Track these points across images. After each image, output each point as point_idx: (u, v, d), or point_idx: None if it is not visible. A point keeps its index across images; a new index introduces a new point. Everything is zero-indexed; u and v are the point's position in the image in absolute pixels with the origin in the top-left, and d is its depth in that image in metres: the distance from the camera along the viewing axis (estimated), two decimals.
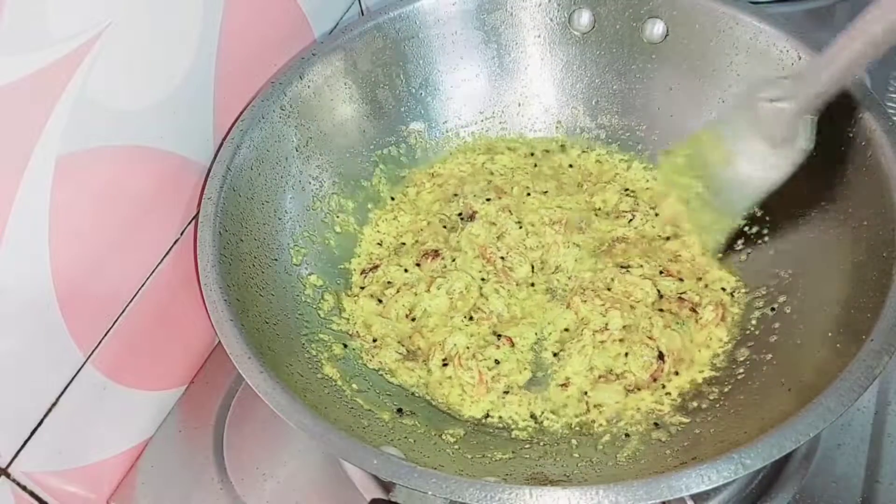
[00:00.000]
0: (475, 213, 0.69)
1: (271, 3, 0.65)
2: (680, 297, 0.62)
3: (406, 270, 0.66)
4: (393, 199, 0.72)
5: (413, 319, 0.64)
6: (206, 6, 0.57)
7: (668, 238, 0.67)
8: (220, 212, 0.57)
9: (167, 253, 0.60)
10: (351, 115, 0.70)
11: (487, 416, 0.58)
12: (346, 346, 0.61)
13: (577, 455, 0.54)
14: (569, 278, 0.65)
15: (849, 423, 0.57)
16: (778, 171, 0.57)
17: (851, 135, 0.56)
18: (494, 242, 0.67)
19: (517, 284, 0.65)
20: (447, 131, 0.75)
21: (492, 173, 0.73)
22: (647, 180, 0.71)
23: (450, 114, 0.75)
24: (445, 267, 0.66)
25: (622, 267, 0.64)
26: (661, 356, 0.58)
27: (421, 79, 0.73)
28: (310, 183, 0.67)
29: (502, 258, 0.66)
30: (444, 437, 0.55)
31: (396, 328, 0.63)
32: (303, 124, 0.66)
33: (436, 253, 0.67)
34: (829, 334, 0.51)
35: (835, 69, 0.51)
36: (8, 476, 0.50)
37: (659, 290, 0.63)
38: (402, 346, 0.62)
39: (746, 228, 0.65)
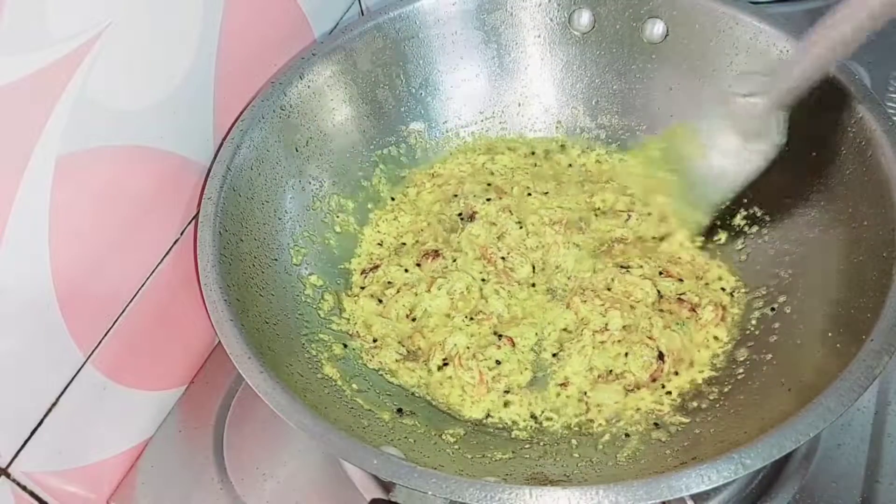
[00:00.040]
0: (475, 213, 0.69)
1: (271, 3, 0.65)
2: (679, 298, 0.62)
3: (406, 270, 0.66)
4: (393, 199, 0.72)
5: (413, 320, 0.64)
6: (206, 6, 0.57)
7: (661, 239, 0.67)
8: (220, 212, 0.57)
9: (167, 253, 0.60)
10: (351, 115, 0.70)
11: (488, 416, 0.58)
12: (346, 346, 0.61)
13: (577, 455, 0.54)
14: (568, 278, 0.65)
15: (849, 423, 0.57)
16: (751, 165, 0.58)
17: (851, 135, 0.56)
18: (495, 243, 0.67)
19: (518, 285, 0.65)
20: (447, 131, 0.75)
21: (492, 173, 0.73)
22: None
23: (450, 114, 0.75)
24: (446, 267, 0.66)
25: (622, 267, 0.64)
26: (660, 356, 0.58)
27: (421, 79, 0.73)
28: (310, 183, 0.67)
29: (503, 258, 0.66)
30: (444, 437, 0.55)
31: (397, 328, 0.63)
32: (303, 124, 0.66)
33: (436, 253, 0.67)
34: (829, 334, 0.51)
35: (807, 65, 0.52)
36: (8, 476, 0.50)
37: (659, 291, 0.63)
38: (403, 346, 0.62)
39: (746, 228, 0.65)
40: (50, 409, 0.52)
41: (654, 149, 0.65)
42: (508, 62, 0.74)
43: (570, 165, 0.74)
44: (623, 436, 0.55)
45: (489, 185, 0.71)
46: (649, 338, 0.59)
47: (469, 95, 0.75)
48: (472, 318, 0.63)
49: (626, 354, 0.59)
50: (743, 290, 0.62)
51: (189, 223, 0.62)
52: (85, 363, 0.54)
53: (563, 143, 0.75)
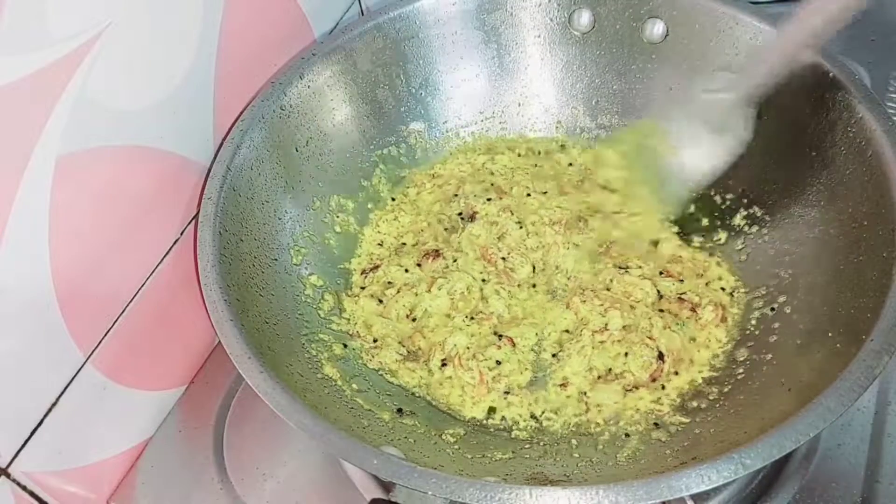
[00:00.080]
0: (475, 213, 0.69)
1: (271, 3, 0.65)
2: (680, 298, 0.62)
3: (407, 270, 0.66)
4: (393, 199, 0.72)
5: (414, 320, 0.64)
6: (206, 6, 0.57)
7: (656, 243, 0.67)
8: (220, 212, 0.57)
9: (167, 253, 0.60)
10: (351, 115, 0.70)
11: (488, 416, 0.58)
12: (346, 346, 0.61)
13: (577, 455, 0.54)
14: (568, 278, 0.65)
15: (849, 423, 0.57)
16: (719, 161, 0.59)
17: (851, 135, 0.56)
18: (495, 243, 0.67)
19: (518, 285, 0.65)
20: (447, 131, 0.75)
21: (492, 173, 0.73)
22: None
23: (450, 114, 0.75)
24: (447, 267, 0.66)
25: (621, 268, 0.64)
26: (660, 356, 0.58)
27: (421, 79, 0.73)
28: (310, 183, 0.67)
29: (503, 259, 0.66)
30: (444, 437, 0.55)
31: (397, 328, 0.63)
32: (303, 124, 0.66)
33: (437, 253, 0.67)
34: (829, 334, 0.51)
35: (774, 60, 0.52)
36: (8, 476, 0.50)
37: (659, 291, 0.63)
38: (403, 346, 0.62)
39: (746, 228, 0.65)
40: (50, 409, 0.52)
41: (625, 143, 0.65)
42: (508, 62, 0.74)
43: (571, 165, 0.74)
44: (623, 436, 0.55)
45: (492, 184, 0.71)
46: (649, 338, 0.59)
47: (469, 95, 0.75)
48: (472, 319, 0.63)
49: (626, 354, 0.59)
50: (743, 290, 0.62)
51: (189, 223, 0.62)
52: (85, 363, 0.54)
53: (563, 143, 0.75)
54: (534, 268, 0.66)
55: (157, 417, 0.64)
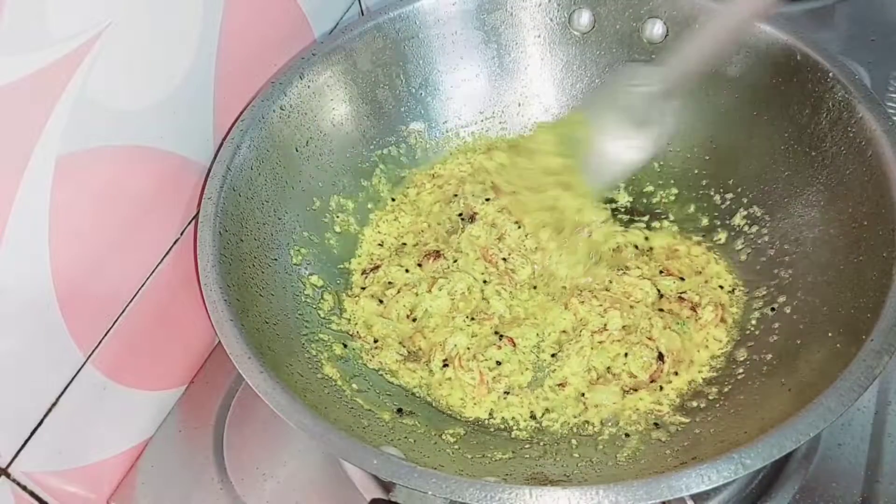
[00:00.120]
0: (475, 213, 0.69)
1: (271, 3, 0.65)
2: (680, 297, 0.62)
3: (407, 271, 0.66)
4: (393, 199, 0.72)
5: (414, 320, 0.64)
6: (206, 6, 0.57)
7: (650, 249, 0.67)
8: (220, 212, 0.57)
9: (167, 253, 0.60)
10: (351, 116, 0.70)
11: (489, 416, 0.58)
12: (346, 346, 0.61)
13: (577, 455, 0.54)
14: (564, 287, 0.65)
15: (849, 423, 0.57)
16: (642, 153, 0.60)
17: (851, 135, 0.56)
18: (496, 244, 0.67)
19: (519, 286, 0.65)
20: (447, 131, 0.75)
21: (489, 172, 0.73)
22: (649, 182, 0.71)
23: (450, 114, 0.75)
24: (447, 268, 0.66)
25: (620, 268, 0.64)
26: (660, 357, 0.58)
27: (421, 79, 0.73)
28: (310, 183, 0.67)
29: (504, 260, 0.66)
30: (444, 437, 0.55)
31: (397, 329, 0.63)
32: (303, 124, 0.66)
33: (437, 253, 0.67)
34: (829, 334, 0.51)
35: (693, 55, 0.53)
36: (8, 476, 0.50)
37: (659, 290, 0.63)
38: (403, 346, 0.62)
39: (746, 228, 0.65)
40: (50, 409, 0.52)
41: (557, 133, 0.66)
42: (508, 62, 0.74)
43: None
44: (623, 436, 0.55)
45: (493, 183, 0.71)
46: (649, 338, 0.59)
47: (469, 95, 0.75)
48: (472, 319, 0.63)
49: (626, 355, 0.59)
50: (742, 290, 0.62)
51: (189, 223, 0.62)
52: (85, 363, 0.54)
53: None
54: (534, 269, 0.66)
55: (157, 417, 0.64)
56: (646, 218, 0.69)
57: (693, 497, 0.42)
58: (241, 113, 0.63)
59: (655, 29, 0.69)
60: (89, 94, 0.49)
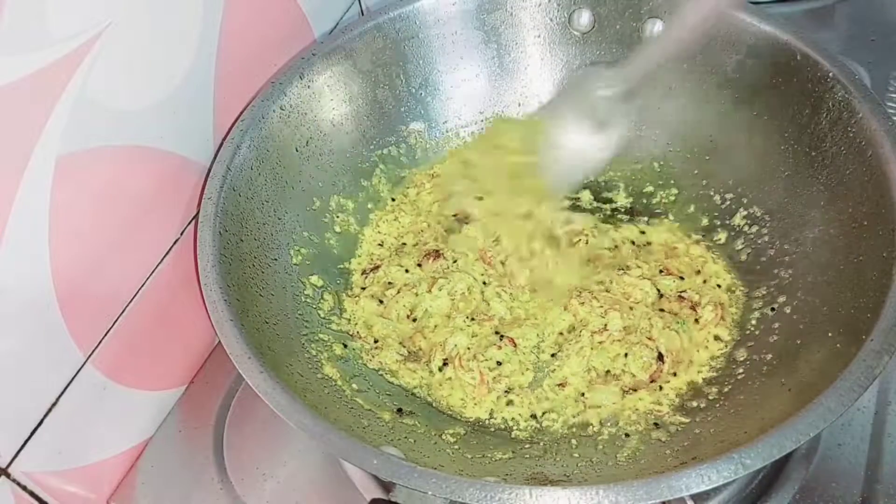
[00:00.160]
0: (469, 214, 0.69)
1: (271, 3, 0.65)
2: (680, 296, 0.62)
3: (407, 271, 0.66)
4: (393, 199, 0.72)
5: (414, 320, 0.64)
6: (206, 6, 0.57)
7: (648, 243, 0.67)
8: (220, 212, 0.57)
9: (167, 253, 0.60)
10: (351, 116, 0.70)
11: (489, 416, 0.58)
12: (346, 346, 0.61)
13: (577, 455, 0.54)
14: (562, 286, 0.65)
15: (849, 423, 0.57)
16: (602, 154, 0.61)
17: (851, 135, 0.56)
18: (493, 247, 0.67)
19: (518, 289, 0.65)
20: (447, 131, 0.75)
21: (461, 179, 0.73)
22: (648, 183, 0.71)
23: (450, 114, 0.75)
24: (447, 268, 0.66)
25: (620, 268, 0.64)
26: (660, 357, 0.58)
27: (421, 79, 0.73)
28: (309, 183, 0.67)
29: (502, 263, 0.66)
30: (444, 437, 0.55)
31: (398, 329, 0.63)
32: (303, 124, 0.66)
33: (437, 253, 0.67)
34: (829, 334, 0.51)
35: (652, 58, 0.54)
36: (8, 476, 0.50)
37: (659, 290, 0.63)
38: (404, 346, 0.62)
39: (746, 228, 0.65)
40: (50, 409, 0.52)
41: (517, 133, 0.66)
42: (508, 62, 0.74)
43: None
44: (623, 436, 0.55)
45: (463, 211, 0.71)
46: (649, 338, 0.59)
47: (469, 95, 0.75)
48: (472, 319, 0.63)
49: (626, 355, 0.59)
50: (742, 290, 0.62)
51: (189, 223, 0.62)
52: (85, 363, 0.54)
53: None
54: (531, 274, 0.66)
55: (157, 417, 0.64)
56: (645, 218, 0.69)
57: (693, 497, 0.42)
58: (241, 113, 0.63)
59: (655, 29, 0.69)
60: (89, 94, 0.49)
